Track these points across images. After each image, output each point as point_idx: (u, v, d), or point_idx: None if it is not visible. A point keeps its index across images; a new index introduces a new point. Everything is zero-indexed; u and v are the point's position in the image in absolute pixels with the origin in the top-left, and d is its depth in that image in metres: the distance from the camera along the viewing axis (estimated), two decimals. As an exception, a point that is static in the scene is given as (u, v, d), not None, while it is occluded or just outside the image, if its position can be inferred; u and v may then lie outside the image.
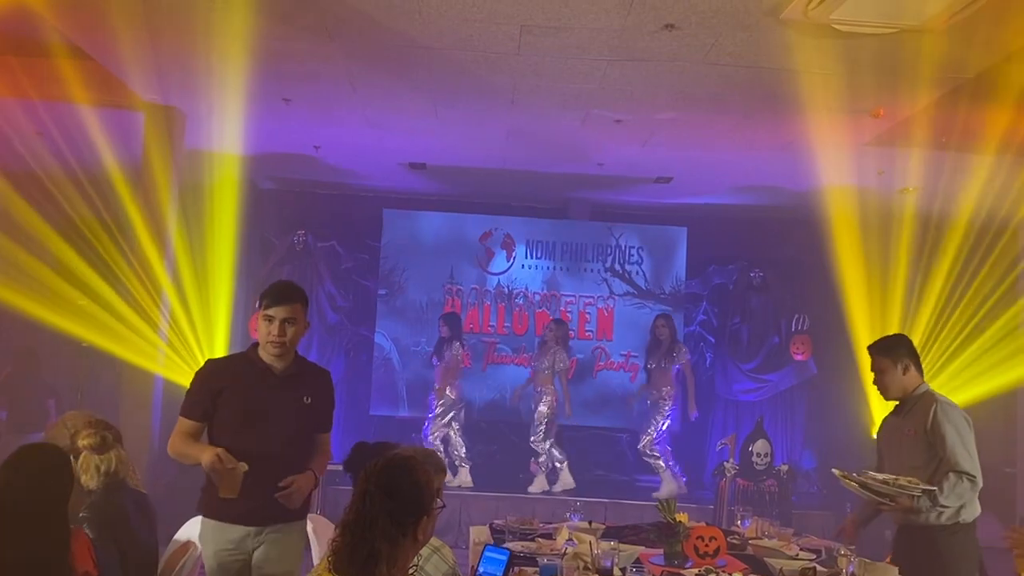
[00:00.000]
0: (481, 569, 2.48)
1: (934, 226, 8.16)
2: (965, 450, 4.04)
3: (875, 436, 4.60)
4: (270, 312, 3.70)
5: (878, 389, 4.34)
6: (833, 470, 4.31)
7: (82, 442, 3.72)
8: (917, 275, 8.22)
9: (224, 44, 6.08)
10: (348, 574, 2.27)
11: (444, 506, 2.89)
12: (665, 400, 9.02)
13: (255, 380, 3.72)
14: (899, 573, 3.70)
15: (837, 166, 8.17)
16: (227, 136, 8.07)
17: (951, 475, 4.00)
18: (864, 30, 5.28)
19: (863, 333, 8.56)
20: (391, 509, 2.26)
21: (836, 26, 5.22)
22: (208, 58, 6.33)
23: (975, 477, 4.03)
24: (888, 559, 5.13)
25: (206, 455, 3.51)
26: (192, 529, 4.44)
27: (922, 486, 3.99)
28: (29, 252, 7.98)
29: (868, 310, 8.62)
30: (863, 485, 4.07)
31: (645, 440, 9.05)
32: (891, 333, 4.81)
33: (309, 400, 3.78)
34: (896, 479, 4.04)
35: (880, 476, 4.09)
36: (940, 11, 4.96)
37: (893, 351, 4.31)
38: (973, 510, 4.09)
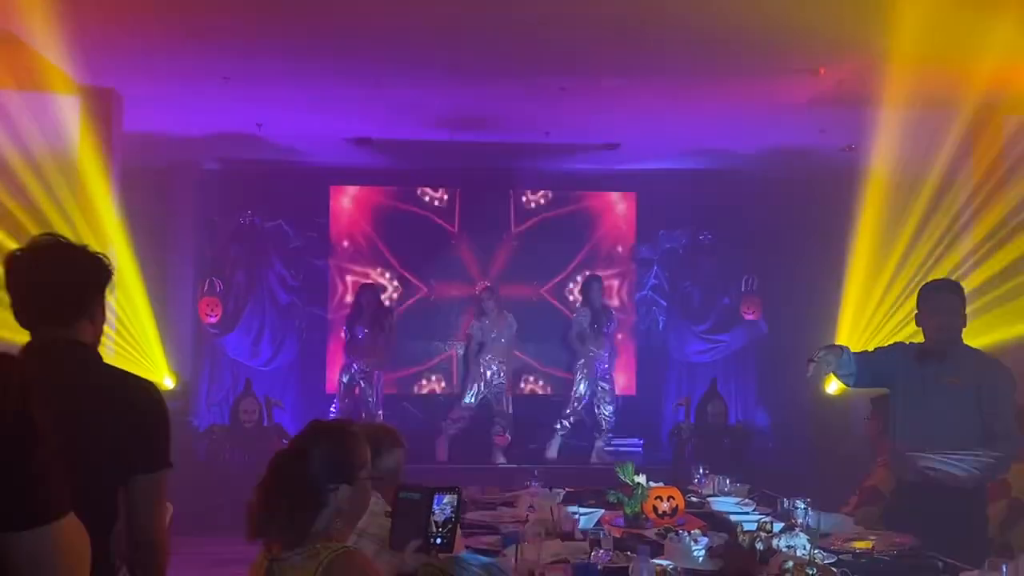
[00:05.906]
0: (436, 508, 2.43)
1: (877, 182, 8.26)
2: (1016, 416, 3.93)
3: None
4: None
5: (936, 330, 3.98)
6: (908, 454, 3.99)
7: None
8: (864, 232, 8.32)
9: (158, 21, 5.93)
10: (258, 534, 2.24)
11: (380, 478, 2.85)
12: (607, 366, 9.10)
13: None
14: (891, 532, 3.60)
15: (781, 126, 8.25)
16: (167, 117, 7.88)
17: (1001, 440, 3.86)
18: (802, -12, 5.32)
19: (808, 292, 8.69)
20: (303, 475, 2.21)
21: (775, -15, 5.25)
22: (143, 37, 6.17)
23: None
24: (852, 512, 5.04)
25: None
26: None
27: (991, 453, 3.83)
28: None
29: (816, 268, 8.75)
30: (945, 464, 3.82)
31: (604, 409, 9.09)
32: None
33: None
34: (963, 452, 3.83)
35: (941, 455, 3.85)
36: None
37: (965, 298, 4.07)
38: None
